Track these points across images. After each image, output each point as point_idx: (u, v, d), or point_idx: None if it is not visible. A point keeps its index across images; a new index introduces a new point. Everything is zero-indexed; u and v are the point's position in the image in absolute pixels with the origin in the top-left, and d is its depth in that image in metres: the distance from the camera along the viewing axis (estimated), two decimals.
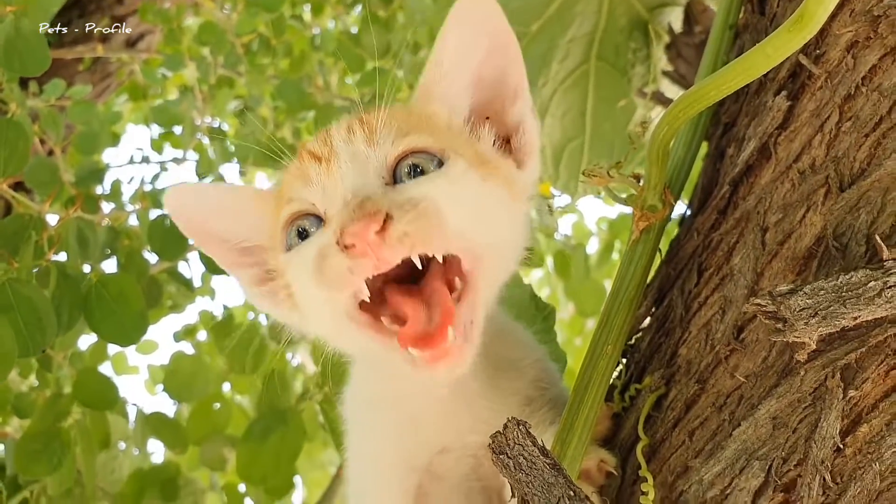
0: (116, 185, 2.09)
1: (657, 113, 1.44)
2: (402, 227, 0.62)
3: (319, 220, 0.70)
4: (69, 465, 1.35)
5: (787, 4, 0.83)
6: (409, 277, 0.66)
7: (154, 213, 1.60)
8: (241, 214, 0.79)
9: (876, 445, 0.62)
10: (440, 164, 0.69)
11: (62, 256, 1.41)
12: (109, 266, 1.60)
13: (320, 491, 2.41)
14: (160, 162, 2.75)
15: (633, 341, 0.81)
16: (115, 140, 2.18)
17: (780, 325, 0.61)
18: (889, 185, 0.67)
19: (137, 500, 1.82)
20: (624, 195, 0.79)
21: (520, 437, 0.63)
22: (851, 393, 0.63)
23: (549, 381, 0.81)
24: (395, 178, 0.69)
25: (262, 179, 2.86)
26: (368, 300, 0.65)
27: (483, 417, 0.77)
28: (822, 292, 0.61)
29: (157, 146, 2.96)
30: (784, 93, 0.74)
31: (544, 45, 1.39)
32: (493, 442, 0.63)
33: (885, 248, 0.62)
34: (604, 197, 2.87)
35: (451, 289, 0.66)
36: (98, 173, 1.76)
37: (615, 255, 2.46)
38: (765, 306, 0.61)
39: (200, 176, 2.19)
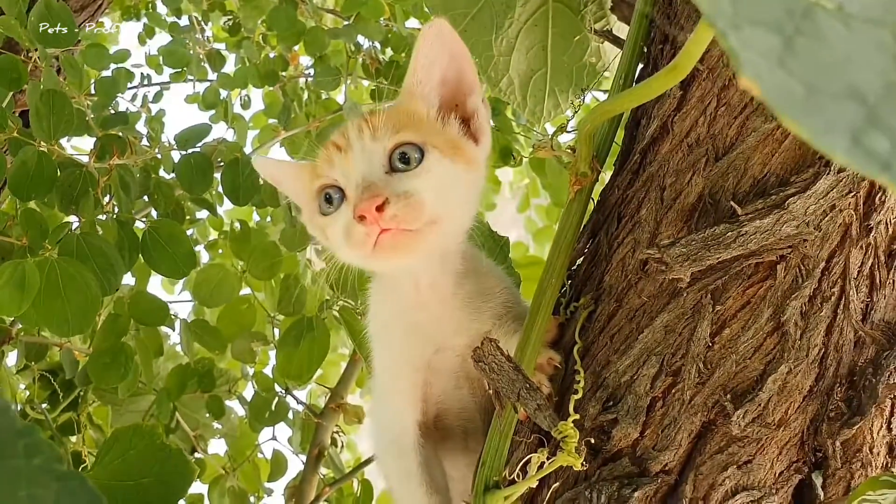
0: (134, 118, 2.31)
1: (607, 46, 1.67)
2: (393, 211, 0.92)
3: (340, 190, 1.00)
4: (134, 373, 1.65)
5: None
6: None
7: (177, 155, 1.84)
8: (298, 180, 1.12)
9: (734, 343, 0.90)
10: (421, 151, 0.98)
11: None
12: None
13: (335, 371, 2.74)
14: (161, 83, 2.95)
15: (574, 267, 1.08)
16: (130, 78, 2.39)
17: (663, 268, 0.89)
18: (750, 156, 0.93)
19: (180, 391, 2.13)
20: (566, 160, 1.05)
21: (492, 349, 0.91)
22: (718, 307, 0.91)
23: (514, 303, 1.10)
24: (391, 163, 0.98)
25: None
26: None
27: (465, 325, 1.08)
28: (693, 242, 0.88)
29: (153, 63, 3.14)
30: (678, 83, 0.99)
31: None
32: (474, 353, 0.91)
33: (738, 208, 0.89)
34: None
35: None
36: (123, 116, 1.98)
37: None
38: (653, 254, 0.89)
39: (206, 104, 2.42)
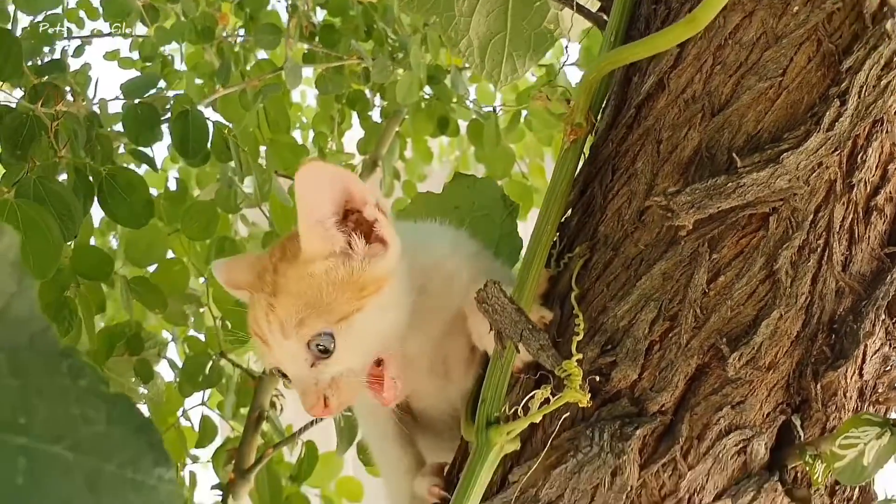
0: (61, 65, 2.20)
1: (565, 13, 1.70)
2: (336, 401, 0.98)
3: None
4: (77, 329, 1.58)
5: None
6: None
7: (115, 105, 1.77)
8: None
9: (728, 290, 0.94)
10: (331, 336, 0.97)
11: None
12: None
13: None
14: (81, 36, 2.83)
15: (564, 220, 1.10)
16: (61, 20, 2.28)
17: (669, 214, 0.92)
18: (744, 113, 0.97)
19: (107, 355, 2.06)
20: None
21: (495, 291, 0.92)
22: (714, 255, 0.94)
23: (486, 263, 1.13)
24: (311, 352, 0.98)
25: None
26: None
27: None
28: (697, 191, 0.92)
29: (72, 17, 3.01)
30: None
31: None
32: (478, 295, 0.93)
33: (738, 159, 0.93)
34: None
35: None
36: (59, 63, 1.90)
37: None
38: (660, 202, 0.92)
39: (142, 57, 2.33)
